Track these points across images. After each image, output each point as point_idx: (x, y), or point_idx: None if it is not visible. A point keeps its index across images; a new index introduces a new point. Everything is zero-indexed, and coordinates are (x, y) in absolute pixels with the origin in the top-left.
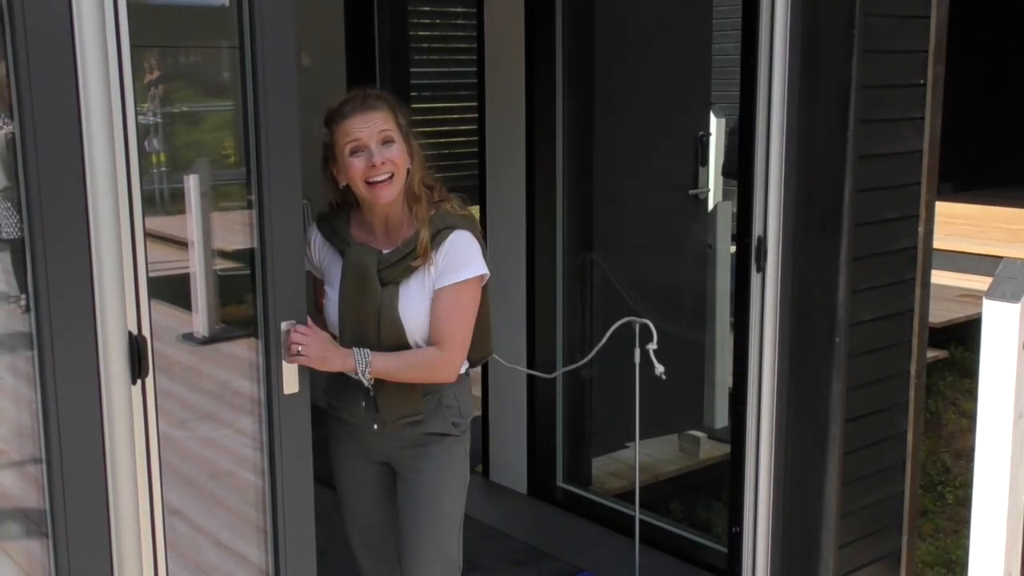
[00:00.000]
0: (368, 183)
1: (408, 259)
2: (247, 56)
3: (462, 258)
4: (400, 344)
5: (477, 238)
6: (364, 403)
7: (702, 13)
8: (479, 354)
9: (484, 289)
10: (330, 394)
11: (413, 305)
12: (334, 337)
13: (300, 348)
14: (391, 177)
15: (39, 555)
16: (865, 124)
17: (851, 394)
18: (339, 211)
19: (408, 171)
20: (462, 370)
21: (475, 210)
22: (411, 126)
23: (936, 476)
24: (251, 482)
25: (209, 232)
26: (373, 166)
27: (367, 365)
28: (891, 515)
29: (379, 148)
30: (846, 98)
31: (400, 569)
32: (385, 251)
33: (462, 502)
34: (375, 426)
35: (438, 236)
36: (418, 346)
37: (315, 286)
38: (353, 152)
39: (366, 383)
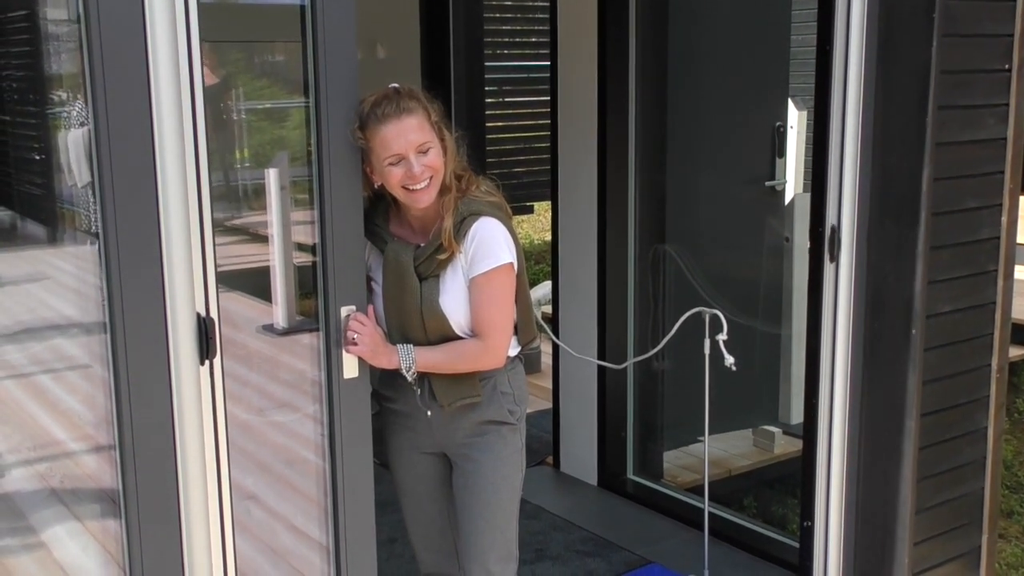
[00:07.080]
0: (406, 189)
1: (437, 252)
2: (309, 52)
3: (488, 246)
4: (445, 335)
5: (504, 223)
6: (419, 391)
7: (781, 2)
8: (524, 339)
9: (519, 274)
10: (384, 385)
11: (453, 296)
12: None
13: (356, 336)
14: (430, 180)
15: (115, 531)
16: (944, 110)
17: (927, 387)
18: (376, 205)
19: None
20: (512, 353)
21: (544, 205)
22: (443, 119)
23: None
24: (322, 468)
25: (288, 226)
26: (412, 176)
27: (412, 362)
28: (971, 513)
29: (417, 157)
30: (925, 84)
31: (457, 562)
32: (421, 245)
33: (519, 491)
34: (428, 412)
35: (463, 224)
36: (465, 334)
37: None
38: (391, 162)
39: (409, 379)
